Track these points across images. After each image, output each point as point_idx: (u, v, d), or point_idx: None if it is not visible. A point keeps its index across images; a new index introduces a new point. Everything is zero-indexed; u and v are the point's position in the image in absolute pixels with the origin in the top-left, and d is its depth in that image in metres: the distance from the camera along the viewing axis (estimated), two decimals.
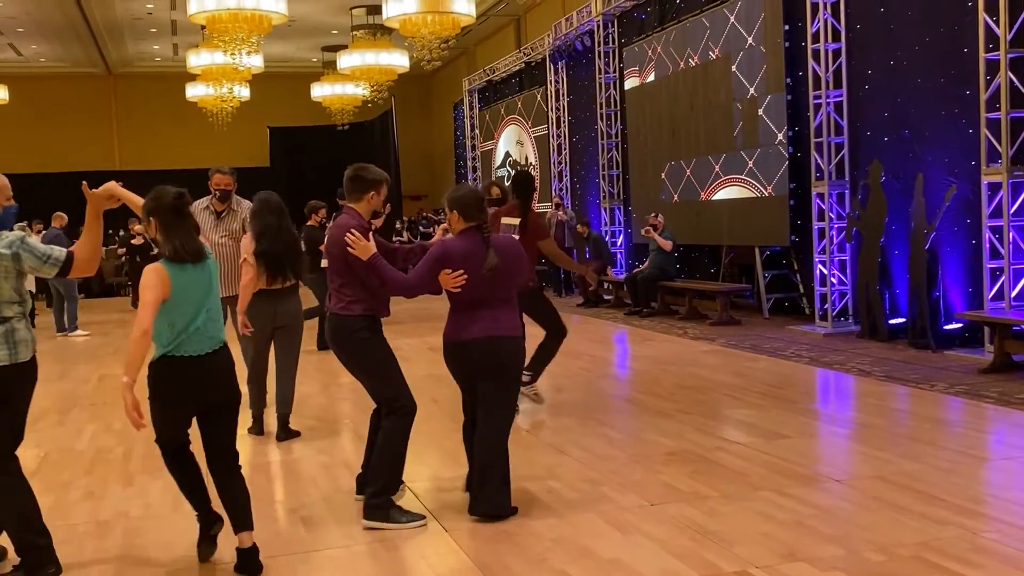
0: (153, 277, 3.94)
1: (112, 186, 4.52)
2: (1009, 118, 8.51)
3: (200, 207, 7.56)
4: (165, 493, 5.51)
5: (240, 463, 4.31)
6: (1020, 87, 8.52)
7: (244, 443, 6.73)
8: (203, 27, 16.14)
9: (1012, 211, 8.57)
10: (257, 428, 6.94)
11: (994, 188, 8.69)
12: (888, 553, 4.07)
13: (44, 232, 14.59)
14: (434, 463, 5.96)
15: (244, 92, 22.31)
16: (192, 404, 4.16)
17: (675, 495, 5.02)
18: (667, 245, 13.23)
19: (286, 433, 6.79)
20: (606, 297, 15.61)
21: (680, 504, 4.86)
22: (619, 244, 16.70)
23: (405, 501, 4.98)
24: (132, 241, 18.63)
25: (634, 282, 13.80)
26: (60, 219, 14.88)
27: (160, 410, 4.17)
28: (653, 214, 13.64)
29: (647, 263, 13.64)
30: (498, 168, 22.14)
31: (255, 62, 19.06)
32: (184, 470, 4.30)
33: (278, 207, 6.63)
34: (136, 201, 4.46)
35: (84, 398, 8.84)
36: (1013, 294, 8.57)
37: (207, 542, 4.34)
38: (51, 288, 14.55)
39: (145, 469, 6.10)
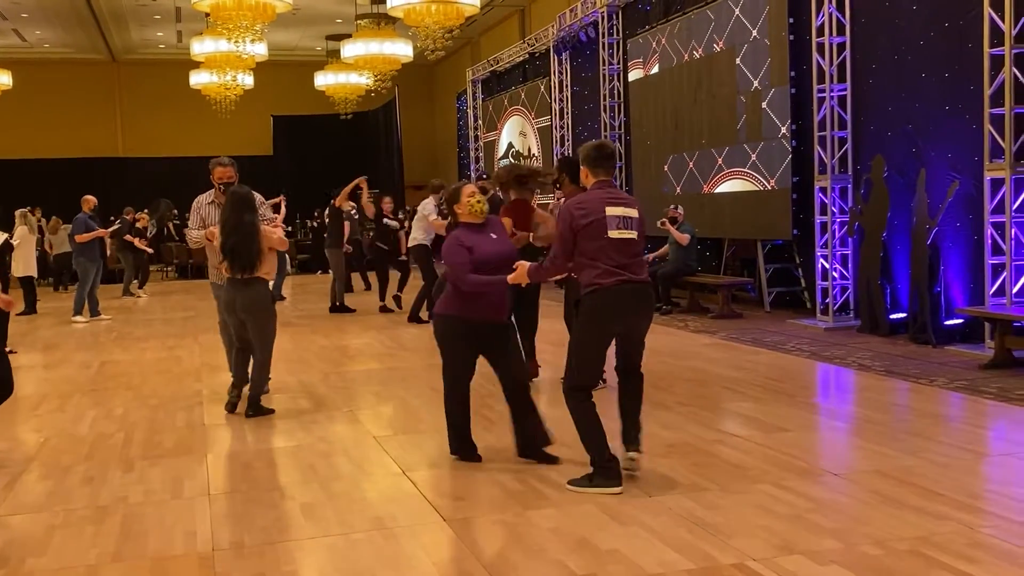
0: None
1: None
2: (1013, 114, 8.49)
3: (206, 201, 7.73)
4: (165, 479, 5.54)
5: None
6: None
7: (242, 431, 6.76)
8: (207, 14, 16.11)
9: (1015, 207, 8.55)
10: (254, 401, 7.26)
11: (997, 184, 8.68)
12: (885, 547, 4.07)
13: (77, 217, 14.58)
14: (433, 452, 5.97)
15: (248, 80, 22.26)
16: None
17: (674, 487, 5.03)
18: (683, 239, 12.71)
19: (255, 411, 7.14)
20: None
21: (678, 496, 4.87)
22: None
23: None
24: (137, 225, 18.64)
25: (653, 277, 13.41)
26: (88, 203, 14.82)
27: None
28: (672, 206, 13.15)
29: (668, 258, 13.14)
30: (500, 159, 22.13)
31: (259, 50, 19.01)
32: None
33: (241, 202, 7.02)
34: None
35: (86, 384, 8.86)
36: (1014, 290, 8.55)
37: None
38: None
39: (145, 455, 6.11)
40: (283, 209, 15.81)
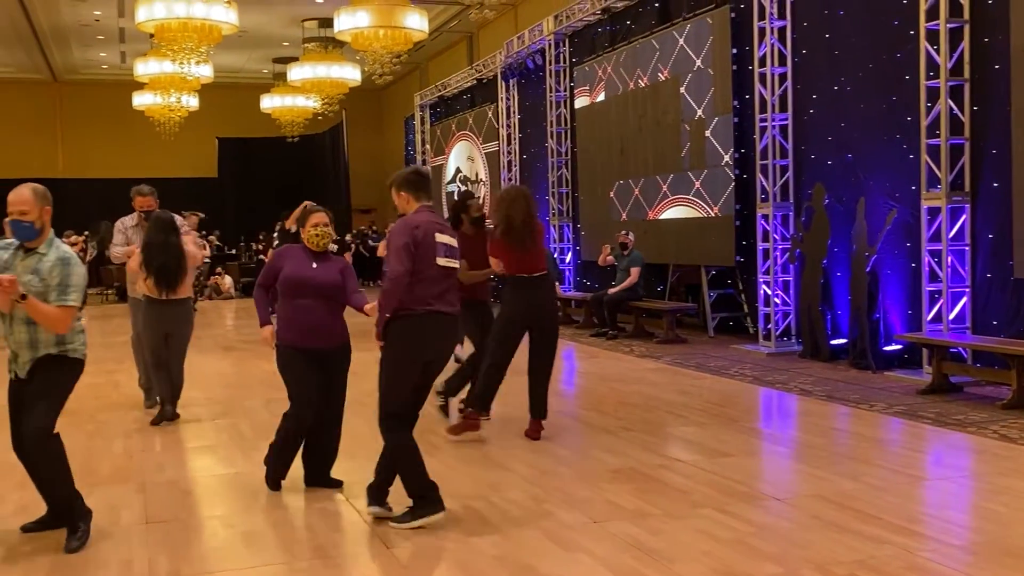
0: None
1: None
2: (948, 144, 8.70)
3: (130, 224, 8.17)
4: (101, 508, 5.40)
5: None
6: (959, 114, 8.72)
7: (182, 458, 6.64)
8: (151, 35, 15.96)
9: (950, 235, 8.76)
10: (171, 413, 7.71)
11: (933, 213, 8.87)
12: (824, 571, 4.11)
13: None
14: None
15: (192, 102, 22.09)
16: None
17: (618, 513, 5.04)
18: (633, 274, 12.82)
19: (168, 417, 7.63)
20: None
21: (622, 522, 4.87)
22: (568, 261, 16.77)
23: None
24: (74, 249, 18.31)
25: (600, 302, 13.53)
26: None
27: None
28: (623, 232, 13.22)
29: (616, 284, 13.14)
30: (448, 183, 22.15)
31: (204, 72, 18.89)
32: None
33: (166, 225, 7.49)
34: None
35: None
36: (951, 316, 8.74)
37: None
38: None
39: (81, 483, 5.92)
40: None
